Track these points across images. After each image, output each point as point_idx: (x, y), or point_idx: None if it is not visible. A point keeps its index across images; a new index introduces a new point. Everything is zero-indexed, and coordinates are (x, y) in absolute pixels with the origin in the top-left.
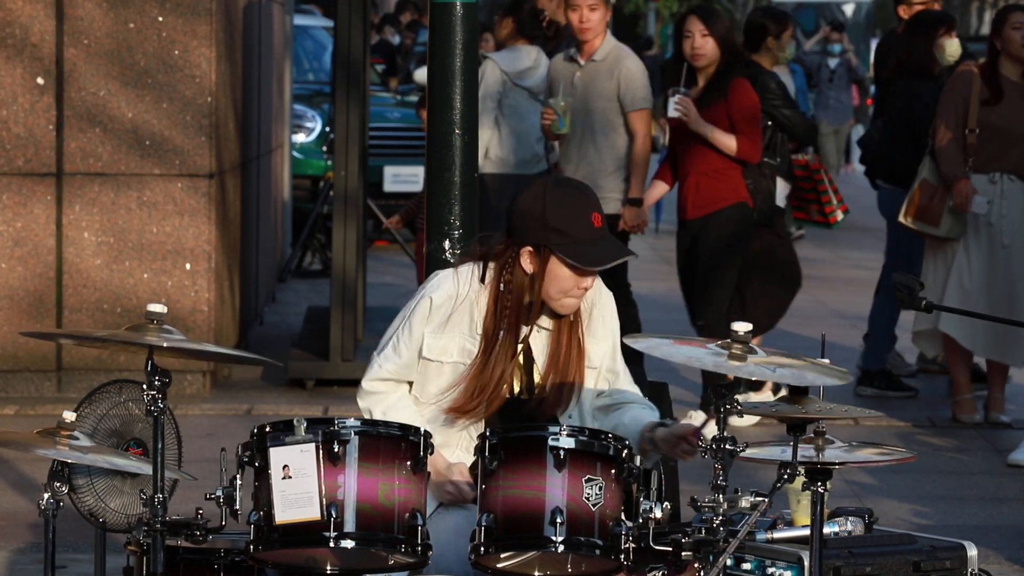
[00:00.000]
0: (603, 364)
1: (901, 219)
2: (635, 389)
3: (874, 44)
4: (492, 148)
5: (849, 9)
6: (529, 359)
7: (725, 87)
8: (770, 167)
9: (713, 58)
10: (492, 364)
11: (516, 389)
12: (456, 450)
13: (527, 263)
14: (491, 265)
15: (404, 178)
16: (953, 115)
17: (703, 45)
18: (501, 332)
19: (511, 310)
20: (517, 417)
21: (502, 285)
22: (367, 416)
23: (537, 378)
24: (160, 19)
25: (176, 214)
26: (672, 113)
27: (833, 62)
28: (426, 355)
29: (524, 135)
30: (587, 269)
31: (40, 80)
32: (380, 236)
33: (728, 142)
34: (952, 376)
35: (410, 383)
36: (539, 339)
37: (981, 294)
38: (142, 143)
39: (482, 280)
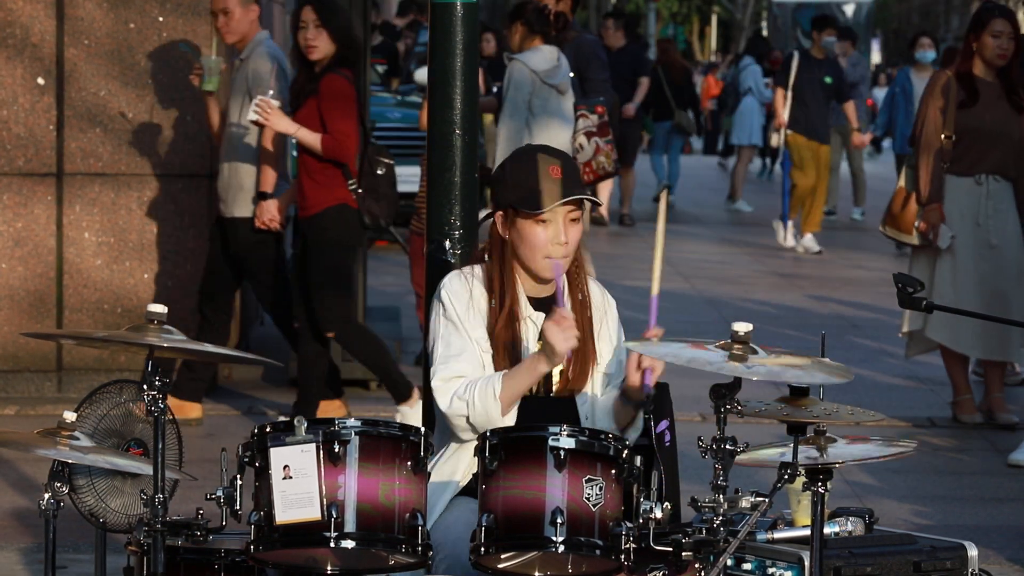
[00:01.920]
0: (610, 368)
1: (880, 229)
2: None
3: (875, 44)
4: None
5: (849, 9)
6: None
7: (318, 82)
8: (385, 166)
9: (327, 52)
10: (512, 334)
11: (532, 388)
12: (460, 461)
13: (501, 228)
14: (483, 264)
15: (404, 178)
16: (932, 123)
17: (316, 37)
18: (506, 298)
19: (504, 275)
20: (544, 409)
21: (487, 256)
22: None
23: (556, 374)
24: (160, 19)
25: (176, 214)
26: (251, 116)
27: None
28: (485, 348)
29: (556, 133)
30: (535, 213)
31: (40, 80)
32: (380, 236)
33: (313, 141)
34: (950, 377)
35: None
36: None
37: (972, 295)
38: (142, 143)
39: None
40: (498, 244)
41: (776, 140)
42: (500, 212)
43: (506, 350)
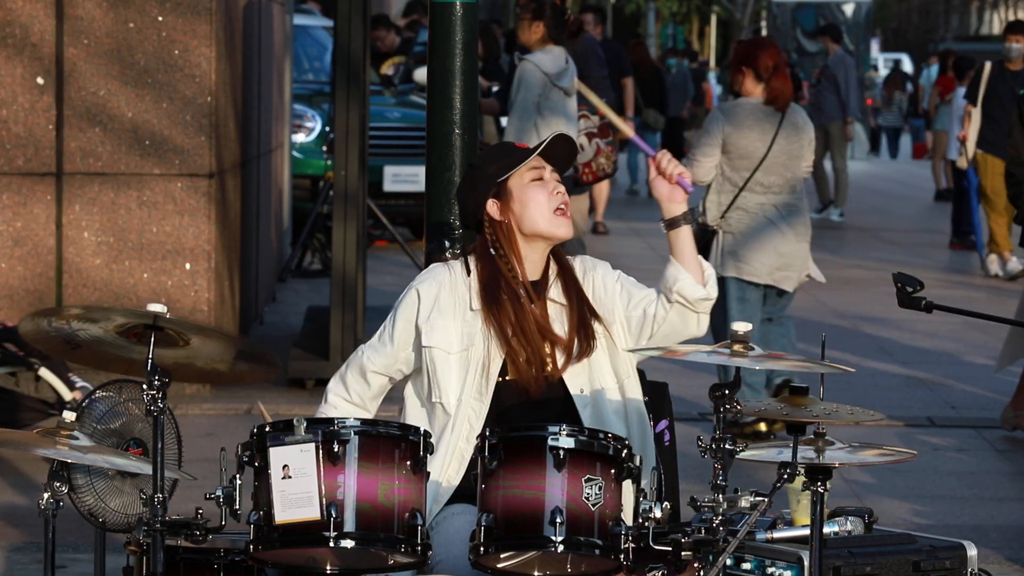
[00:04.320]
0: (620, 315)
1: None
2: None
3: (874, 44)
4: None
5: (849, 9)
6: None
7: None
8: None
9: None
10: (526, 320)
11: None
12: (448, 456)
13: (497, 214)
14: (473, 255)
15: (404, 178)
16: None
17: None
18: (522, 290)
19: (512, 266)
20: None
21: (492, 250)
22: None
23: (557, 348)
24: (160, 19)
25: (176, 214)
26: None
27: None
28: (427, 343)
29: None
30: (526, 160)
31: (40, 80)
32: (380, 236)
33: None
34: None
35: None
36: (554, 312)
37: None
38: (142, 143)
39: (468, 271)
40: (501, 231)
41: (963, 162)
42: (491, 199)
43: (502, 325)
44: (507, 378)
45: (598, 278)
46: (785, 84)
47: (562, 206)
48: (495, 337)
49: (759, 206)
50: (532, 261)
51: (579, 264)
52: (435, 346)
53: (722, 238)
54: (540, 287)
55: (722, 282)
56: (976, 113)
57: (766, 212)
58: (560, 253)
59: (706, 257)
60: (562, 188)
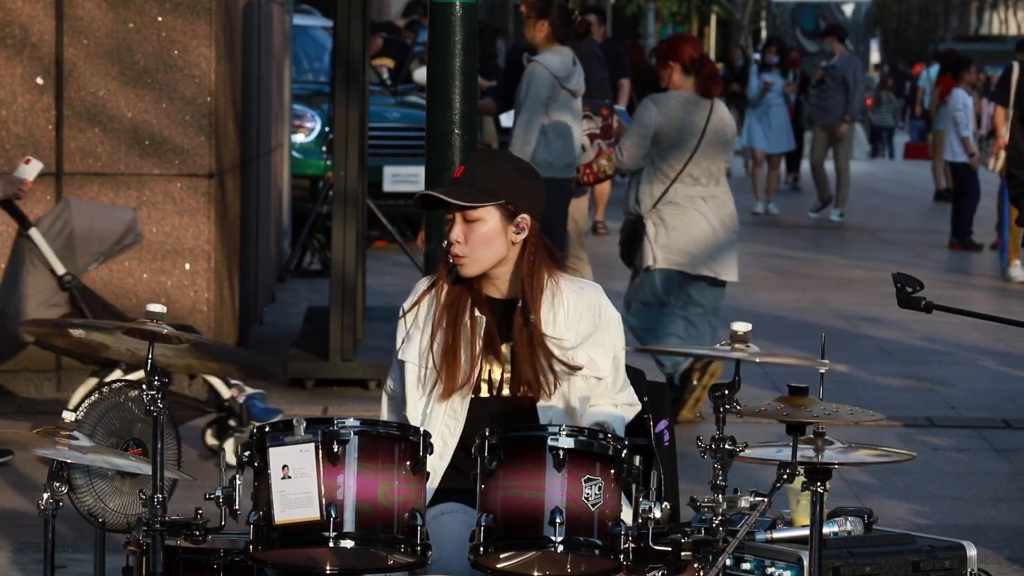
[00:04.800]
0: (603, 375)
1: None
2: (626, 398)
3: (874, 44)
4: (538, 152)
5: (849, 9)
6: (514, 355)
7: None
8: None
9: None
10: (457, 327)
11: (501, 387)
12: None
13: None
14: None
15: (404, 178)
16: None
17: None
18: (454, 297)
19: (476, 289)
20: (498, 411)
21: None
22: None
23: (521, 368)
24: (160, 19)
25: (176, 214)
26: None
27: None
28: (401, 357)
29: (569, 138)
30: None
31: (40, 80)
32: (380, 236)
33: None
34: None
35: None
36: (526, 335)
37: None
38: (142, 143)
39: (446, 283)
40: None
41: (993, 164)
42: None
43: (444, 333)
44: (481, 396)
45: (599, 333)
46: (712, 71)
47: (454, 258)
48: (466, 357)
49: (688, 199)
50: (499, 280)
51: (593, 298)
52: (408, 360)
53: (653, 230)
54: (513, 310)
55: (650, 272)
56: (1007, 114)
57: (695, 204)
58: (534, 284)
59: (637, 248)
60: (460, 238)
